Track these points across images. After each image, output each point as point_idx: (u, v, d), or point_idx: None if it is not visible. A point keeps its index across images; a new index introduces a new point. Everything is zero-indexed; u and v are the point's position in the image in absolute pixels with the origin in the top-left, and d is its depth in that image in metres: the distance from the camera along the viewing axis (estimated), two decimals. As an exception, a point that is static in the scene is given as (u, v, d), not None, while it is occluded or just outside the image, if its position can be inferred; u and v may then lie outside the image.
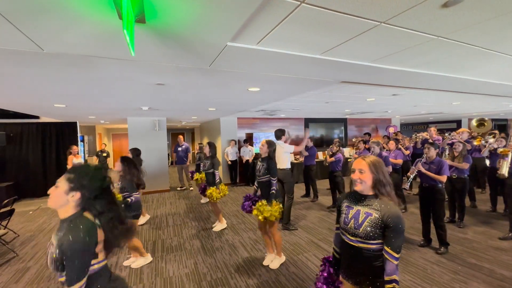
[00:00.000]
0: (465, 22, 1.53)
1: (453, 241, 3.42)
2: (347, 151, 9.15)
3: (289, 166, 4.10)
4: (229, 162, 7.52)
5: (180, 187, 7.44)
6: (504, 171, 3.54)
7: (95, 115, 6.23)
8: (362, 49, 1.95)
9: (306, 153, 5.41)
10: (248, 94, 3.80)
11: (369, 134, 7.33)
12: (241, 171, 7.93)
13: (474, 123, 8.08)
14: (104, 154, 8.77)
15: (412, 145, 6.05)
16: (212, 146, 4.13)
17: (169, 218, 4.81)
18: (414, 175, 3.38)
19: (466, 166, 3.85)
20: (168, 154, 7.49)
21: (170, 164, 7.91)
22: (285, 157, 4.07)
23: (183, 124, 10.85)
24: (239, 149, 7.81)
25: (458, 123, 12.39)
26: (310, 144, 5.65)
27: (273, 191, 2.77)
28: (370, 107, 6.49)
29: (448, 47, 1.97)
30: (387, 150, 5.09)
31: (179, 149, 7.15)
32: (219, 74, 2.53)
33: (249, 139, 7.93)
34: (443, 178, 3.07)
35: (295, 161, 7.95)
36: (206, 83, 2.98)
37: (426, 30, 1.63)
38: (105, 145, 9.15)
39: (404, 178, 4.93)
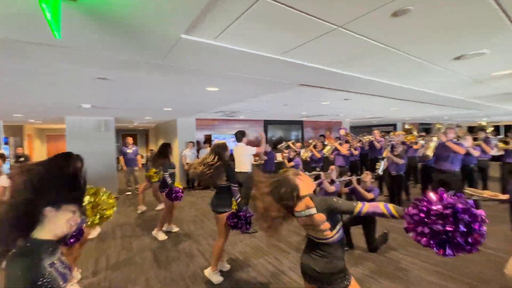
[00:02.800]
0: (410, 33, 1.67)
1: (395, 232, 3.79)
2: (303, 152, 9.59)
3: (250, 169, 4.04)
4: (186, 167, 7.16)
5: (129, 192, 6.80)
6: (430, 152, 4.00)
7: (21, 113, 5.26)
8: (320, 53, 2.01)
9: (265, 157, 5.46)
10: (207, 94, 3.64)
11: (323, 136, 7.79)
12: (200, 174, 7.61)
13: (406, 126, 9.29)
14: (22, 159, 7.52)
15: (360, 145, 6.60)
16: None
17: (117, 229, 4.31)
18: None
19: (401, 161, 4.37)
20: (117, 158, 6.76)
21: (119, 168, 7.17)
22: (246, 160, 4.00)
23: (136, 124, 9.99)
24: (198, 151, 7.49)
25: (394, 127, 14.10)
26: (268, 148, 5.70)
27: (238, 199, 2.64)
28: (325, 110, 6.91)
29: (393, 56, 2.15)
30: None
31: (129, 151, 6.52)
32: (175, 70, 2.34)
33: (208, 141, 7.68)
34: (370, 196, 3.15)
35: (254, 163, 7.98)
36: (160, 80, 2.73)
37: (377, 38, 1.74)
38: (22, 148, 7.82)
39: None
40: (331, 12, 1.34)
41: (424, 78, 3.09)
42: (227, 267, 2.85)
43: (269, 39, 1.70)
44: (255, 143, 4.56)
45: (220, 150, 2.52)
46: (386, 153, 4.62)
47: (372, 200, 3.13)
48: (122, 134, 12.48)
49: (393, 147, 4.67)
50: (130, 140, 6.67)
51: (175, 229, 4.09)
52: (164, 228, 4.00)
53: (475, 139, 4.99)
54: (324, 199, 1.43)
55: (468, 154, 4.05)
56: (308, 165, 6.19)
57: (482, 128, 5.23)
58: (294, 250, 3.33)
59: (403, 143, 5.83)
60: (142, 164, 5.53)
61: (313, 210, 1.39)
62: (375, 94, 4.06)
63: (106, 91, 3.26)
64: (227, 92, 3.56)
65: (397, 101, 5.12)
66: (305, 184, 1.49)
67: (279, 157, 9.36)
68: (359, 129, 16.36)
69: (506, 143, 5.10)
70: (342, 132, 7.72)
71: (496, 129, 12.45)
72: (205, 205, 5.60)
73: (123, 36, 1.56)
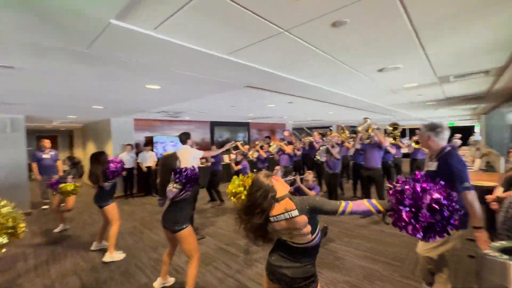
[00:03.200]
0: (346, 44, 1.84)
1: (333, 224, 4.17)
2: (250, 152, 9.77)
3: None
4: (124, 172, 6.40)
5: (45, 205, 5.68)
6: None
7: None
8: (267, 55, 2.03)
9: (212, 160, 5.32)
10: (146, 92, 3.31)
11: (269, 137, 8.08)
12: (139, 180, 6.91)
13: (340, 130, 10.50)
14: None
15: (302, 146, 7.07)
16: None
17: (29, 253, 3.51)
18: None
19: (338, 156, 4.82)
20: (29, 165, 5.55)
21: (32, 178, 5.91)
22: (192, 163, 3.79)
23: (56, 124, 8.41)
24: (137, 154, 6.79)
25: (330, 129, 15.81)
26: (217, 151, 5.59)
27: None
28: (270, 113, 7.16)
29: (331, 64, 2.35)
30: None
31: (46, 156, 5.43)
32: (104, 62, 2.03)
33: (149, 143, 7.05)
34: (312, 193, 3.24)
35: (201, 165, 7.71)
36: (87, 73, 2.34)
37: (318, 46, 1.86)
38: None
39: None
40: (278, 15, 1.36)
41: (354, 86, 3.50)
42: (170, 281, 2.62)
43: (216, 36, 1.63)
44: (203, 147, 4.39)
45: (171, 161, 2.35)
46: (328, 146, 5.06)
47: None
48: (37, 136, 10.36)
49: (333, 147, 5.15)
50: (46, 143, 5.55)
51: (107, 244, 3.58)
52: (92, 247, 3.47)
53: (394, 138, 5.93)
54: (305, 198, 1.32)
55: (386, 152, 4.80)
56: (254, 166, 6.32)
57: (392, 132, 6.23)
58: (243, 252, 3.30)
59: (338, 144, 6.49)
60: (64, 171, 4.64)
61: (295, 212, 1.27)
62: (316, 99, 4.40)
63: (11, 83, 2.62)
64: (170, 91, 3.32)
65: (333, 106, 5.68)
66: (280, 184, 1.39)
67: (226, 158, 9.31)
68: (300, 130, 17.69)
69: (418, 143, 6.24)
70: (286, 133, 8.18)
71: (403, 132, 15.24)
72: (145, 214, 5.09)
73: (34, 14, 1.25)
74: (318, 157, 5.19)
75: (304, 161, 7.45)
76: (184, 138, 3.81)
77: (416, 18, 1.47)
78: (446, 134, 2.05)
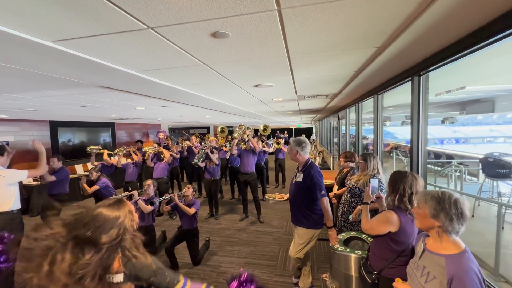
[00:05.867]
0: (224, 57, 1.67)
1: (214, 234, 4.08)
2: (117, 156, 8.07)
3: (17, 206, 2.55)
4: None
5: None
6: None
7: None
8: (127, 54, 1.52)
9: (53, 178, 3.75)
10: None
11: (141, 142, 6.93)
12: None
13: (218, 129, 10.85)
14: None
15: (180, 150, 6.54)
16: None
17: None
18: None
19: (217, 162, 4.78)
20: None
21: None
22: (9, 192, 2.47)
23: None
24: None
25: (208, 129, 16.15)
26: (58, 164, 3.90)
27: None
28: (140, 114, 6.15)
29: (209, 74, 2.14)
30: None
31: None
32: None
33: None
34: (192, 211, 3.01)
35: (33, 183, 5.47)
36: None
37: (195, 55, 1.59)
38: None
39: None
40: (139, 6, 0.96)
41: (232, 96, 3.52)
42: None
43: (28, 11, 0.98)
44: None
45: None
46: (207, 150, 4.86)
47: (195, 214, 3.07)
48: None
49: (212, 152, 5.04)
50: None
51: None
52: None
53: (262, 141, 6.65)
54: (137, 265, 1.01)
55: (264, 152, 5.33)
56: (121, 175, 5.19)
57: (263, 134, 7.04)
58: None
59: (216, 148, 6.52)
60: None
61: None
62: (193, 105, 4.11)
63: None
64: None
65: (211, 111, 5.61)
66: None
67: (79, 168, 7.21)
68: (177, 131, 16.80)
69: (278, 143, 7.30)
70: (161, 135, 7.32)
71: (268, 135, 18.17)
72: None
73: None
74: (196, 161, 4.93)
75: (183, 166, 6.98)
76: (-12, 154, 2.42)
77: (292, 49, 1.53)
78: (308, 147, 2.38)
